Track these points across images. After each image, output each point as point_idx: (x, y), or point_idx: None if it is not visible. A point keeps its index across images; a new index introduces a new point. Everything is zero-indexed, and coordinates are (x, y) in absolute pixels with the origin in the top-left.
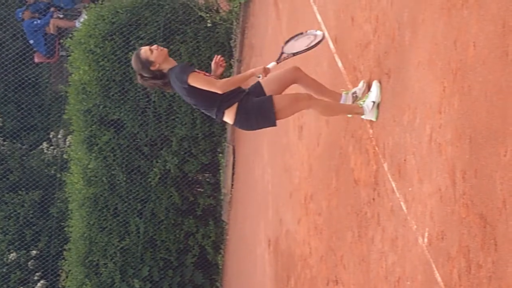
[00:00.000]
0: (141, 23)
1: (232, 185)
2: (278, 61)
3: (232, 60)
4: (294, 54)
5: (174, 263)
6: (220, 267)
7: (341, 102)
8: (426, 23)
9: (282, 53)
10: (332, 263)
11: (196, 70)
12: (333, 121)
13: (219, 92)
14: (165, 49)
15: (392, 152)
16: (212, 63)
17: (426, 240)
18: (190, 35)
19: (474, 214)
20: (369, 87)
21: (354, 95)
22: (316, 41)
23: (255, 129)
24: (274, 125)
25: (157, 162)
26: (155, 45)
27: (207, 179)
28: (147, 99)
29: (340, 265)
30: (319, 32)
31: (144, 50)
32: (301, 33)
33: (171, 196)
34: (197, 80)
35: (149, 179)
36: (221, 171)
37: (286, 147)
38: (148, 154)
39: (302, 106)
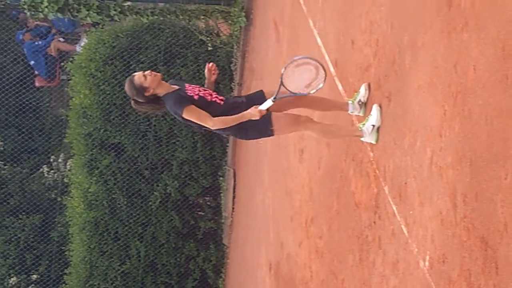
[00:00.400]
0: (141, 47)
1: (233, 208)
2: (275, 99)
3: (233, 83)
4: (293, 93)
5: (175, 287)
6: None
7: (350, 111)
8: (426, 46)
9: (281, 85)
10: (333, 287)
11: (188, 89)
12: (334, 144)
13: (211, 129)
14: (158, 74)
15: (393, 175)
16: (206, 71)
17: (427, 263)
18: (190, 58)
19: (475, 238)
20: (368, 90)
21: (360, 102)
22: (320, 82)
23: (251, 139)
24: (272, 135)
25: (157, 185)
26: (148, 71)
27: (208, 203)
28: (147, 123)
29: None
30: (321, 72)
31: (138, 76)
32: (297, 59)
33: (172, 219)
34: (191, 115)
35: (150, 203)
36: (222, 194)
37: (287, 170)
38: (149, 177)
39: (300, 128)
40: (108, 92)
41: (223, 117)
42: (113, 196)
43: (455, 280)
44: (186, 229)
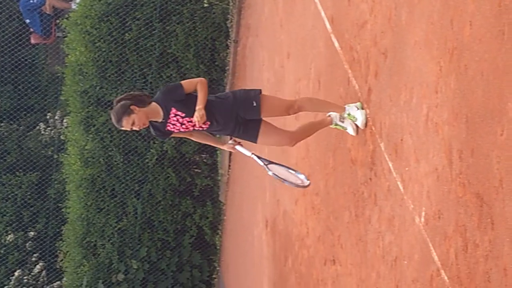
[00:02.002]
0: (137, 4)
1: (229, 165)
2: (255, 156)
3: (229, 40)
4: (274, 175)
5: (172, 243)
6: (218, 247)
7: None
8: (423, 2)
9: (265, 164)
10: (329, 243)
11: (170, 121)
12: (330, 101)
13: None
14: (144, 121)
15: (388, 132)
16: None
17: (423, 219)
18: (186, 15)
19: (471, 193)
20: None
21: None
22: (301, 185)
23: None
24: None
25: (154, 143)
26: (137, 126)
27: (204, 160)
28: (143, 80)
29: (338, 245)
30: (306, 181)
31: (126, 123)
32: (288, 169)
33: (169, 177)
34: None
35: (146, 160)
36: (218, 151)
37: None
38: (145, 135)
39: (285, 113)
40: (104, 49)
41: (202, 136)
42: (110, 153)
43: (451, 236)
44: (182, 186)
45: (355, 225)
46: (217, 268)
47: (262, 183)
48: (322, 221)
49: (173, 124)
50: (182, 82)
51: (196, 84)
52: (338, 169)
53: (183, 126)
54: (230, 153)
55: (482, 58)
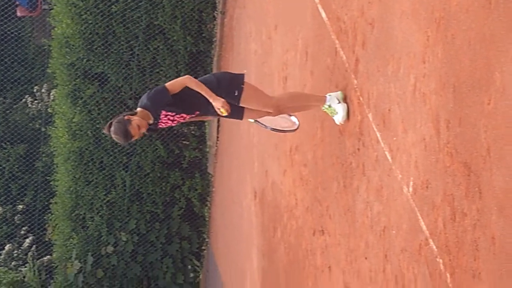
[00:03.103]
0: None
1: (218, 137)
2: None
3: (216, 12)
4: (265, 126)
5: (161, 215)
6: (207, 219)
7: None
8: None
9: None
10: (318, 214)
11: (162, 121)
12: (318, 72)
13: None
14: (144, 128)
15: (376, 102)
16: None
17: (411, 189)
18: None
19: (459, 163)
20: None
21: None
22: (290, 129)
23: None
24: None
25: None
26: (144, 128)
27: (192, 132)
28: (130, 52)
29: (326, 215)
30: (296, 122)
31: (133, 132)
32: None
33: (157, 149)
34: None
35: None
36: (206, 123)
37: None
38: (133, 107)
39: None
40: (90, 22)
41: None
42: (97, 126)
43: (439, 205)
44: (171, 159)
45: (343, 196)
46: (206, 240)
47: (250, 154)
48: (311, 192)
49: (164, 123)
50: (167, 84)
51: (183, 84)
52: (326, 140)
53: (175, 122)
54: (218, 125)
55: (469, 27)
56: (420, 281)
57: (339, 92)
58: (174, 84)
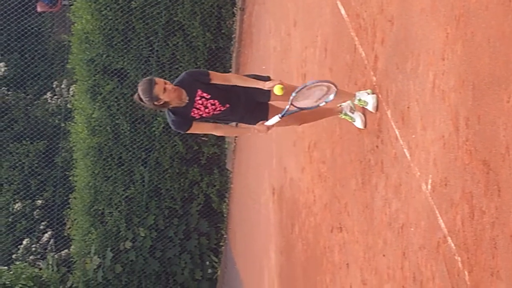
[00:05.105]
0: None
1: None
2: (282, 115)
3: (235, 8)
4: (301, 109)
5: (179, 211)
6: (225, 215)
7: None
8: None
9: (291, 104)
10: (336, 211)
11: (195, 106)
12: (336, 69)
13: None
14: (177, 88)
15: (395, 99)
16: None
17: (429, 186)
18: None
19: (477, 160)
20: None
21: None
22: (328, 97)
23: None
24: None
25: (160, 111)
26: (170, 85)
27: None
28: (150, 48)
29: (344, 212)
30: (332, 88)
31: (158, 87)
32: (308, 85)
33: (175, 145)
34: (194, 131)
35: (153, 128)
36: None
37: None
38: None
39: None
40: (110, 17)
41: (228, 128)
42: (117, 121)
43: (457, 203)
44: (189, 155)
45: (361, 193)
46: (225, 236)
47: (269, 151)
48: (329, 189)
49: (197, 108)
50: (210, 71)
51: (225, 79)
52: (344, 137)
53: (206, 110)
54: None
55: (488, 24)
56: (438, 279)
57: (368, 90)
58: (217, 74)
